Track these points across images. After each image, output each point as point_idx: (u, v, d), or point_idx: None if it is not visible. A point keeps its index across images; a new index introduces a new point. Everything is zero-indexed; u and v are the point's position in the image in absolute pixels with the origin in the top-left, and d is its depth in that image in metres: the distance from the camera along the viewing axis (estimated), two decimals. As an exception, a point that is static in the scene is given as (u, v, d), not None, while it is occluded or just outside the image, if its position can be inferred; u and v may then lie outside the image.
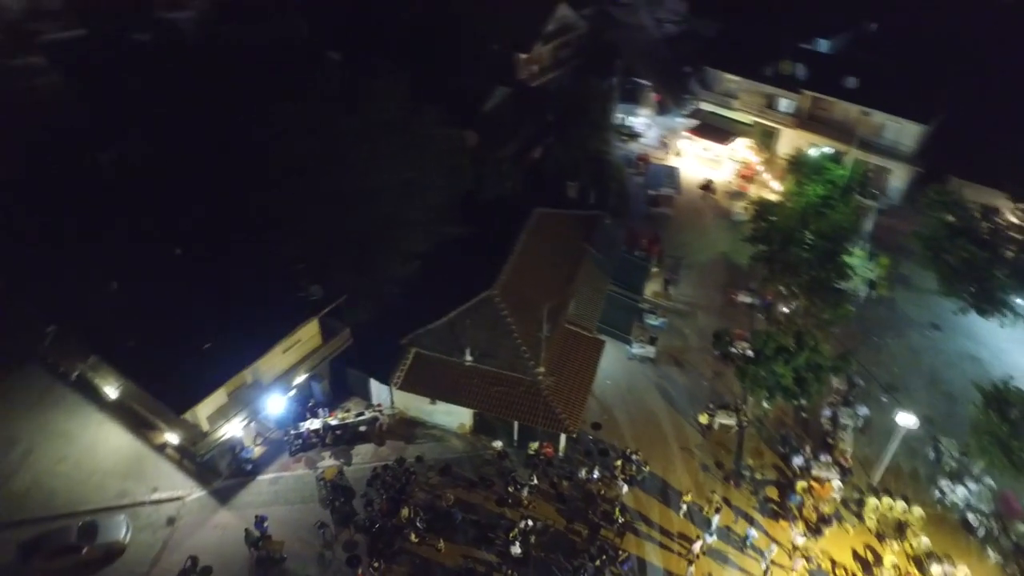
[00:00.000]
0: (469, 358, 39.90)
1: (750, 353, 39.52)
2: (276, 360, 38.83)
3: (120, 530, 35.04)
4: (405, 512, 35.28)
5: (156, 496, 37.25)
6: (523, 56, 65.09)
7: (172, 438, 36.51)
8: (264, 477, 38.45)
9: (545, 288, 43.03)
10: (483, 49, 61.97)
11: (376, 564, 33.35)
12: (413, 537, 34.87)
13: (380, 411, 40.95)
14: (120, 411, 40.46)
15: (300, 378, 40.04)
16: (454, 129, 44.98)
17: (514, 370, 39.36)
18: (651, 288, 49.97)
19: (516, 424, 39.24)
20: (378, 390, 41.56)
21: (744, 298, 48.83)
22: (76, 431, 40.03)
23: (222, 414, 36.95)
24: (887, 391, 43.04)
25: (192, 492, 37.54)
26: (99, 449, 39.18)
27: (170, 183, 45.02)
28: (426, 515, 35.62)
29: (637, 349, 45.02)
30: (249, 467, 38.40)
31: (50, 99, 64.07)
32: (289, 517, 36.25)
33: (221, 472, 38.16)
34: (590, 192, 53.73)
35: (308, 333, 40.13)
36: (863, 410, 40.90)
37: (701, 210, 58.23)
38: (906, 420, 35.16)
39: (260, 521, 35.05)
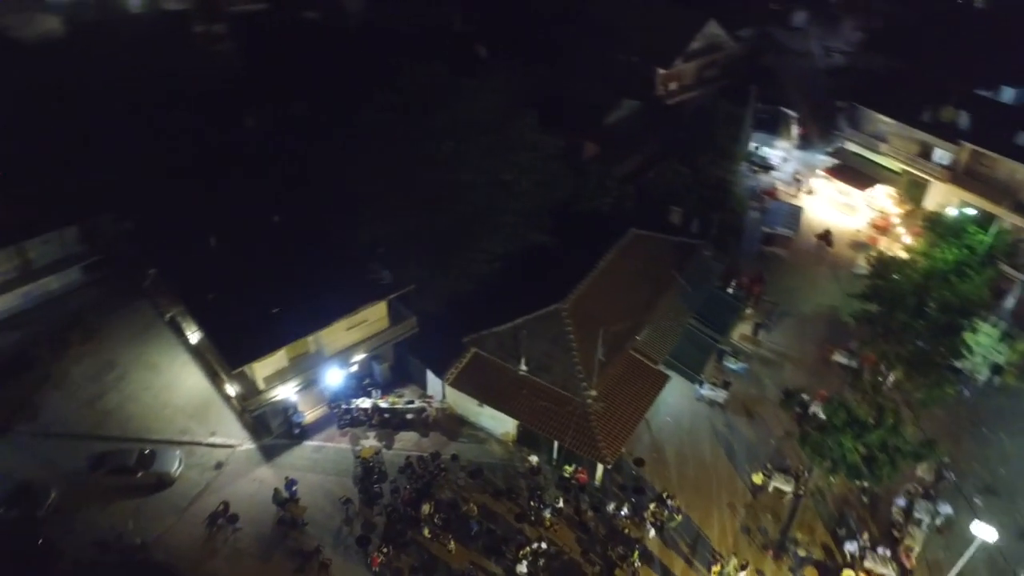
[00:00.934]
0: (524, 368, 39.45)
1: (823, 417, 36.10)
2: (340, 335, 40.33)
3: (174, 463, 38.02)
4: (426, 508, 35.57)
5: (212, 440, 40.05)
6: (662, 71, 63.18)
7: (231, 390, 38.95)
8: (309, 443, 40.17)
9: (620, 311, 41.63)
10: (617, 59, 60.86)
11: (386, 549, 33.85)
12: (427, 532, 35.08)
13: (430, 403, 41.49)
14: (198, 356, 43.89)
15: (360, 356, 41.40)
16: (553, 136, 44.36)
17: (565, 388, 38.45)
18: (740, 330, 46.98)
19: (556, 443, 38.36)
20: (433, 382, 42.12)
21: (840, 358, 44.64)
22: (164, 366, 43.86)
23: (280, 377, 38.94)
24: (983, 493, 37.76)
25: (243, 443, 39.99)
26: (177, 386, 42.68)
27: (288, 154, 48.22)
28: (445, 513, 35.73)
29: (707, 391, 42.50)
30: (297, 431, 40.27)
31: (222, 63, 69.92)
32: (320, 486, 37.65)
33: (272, 430, 40.31)
34: (694, 219, 51.23)
35: (375, 315, 41.34)
36: (946, 508, 36.10)
37: (819, 257, 53.86)
38: (984, 531, 30.57)
39: (290, 484, 36.74)
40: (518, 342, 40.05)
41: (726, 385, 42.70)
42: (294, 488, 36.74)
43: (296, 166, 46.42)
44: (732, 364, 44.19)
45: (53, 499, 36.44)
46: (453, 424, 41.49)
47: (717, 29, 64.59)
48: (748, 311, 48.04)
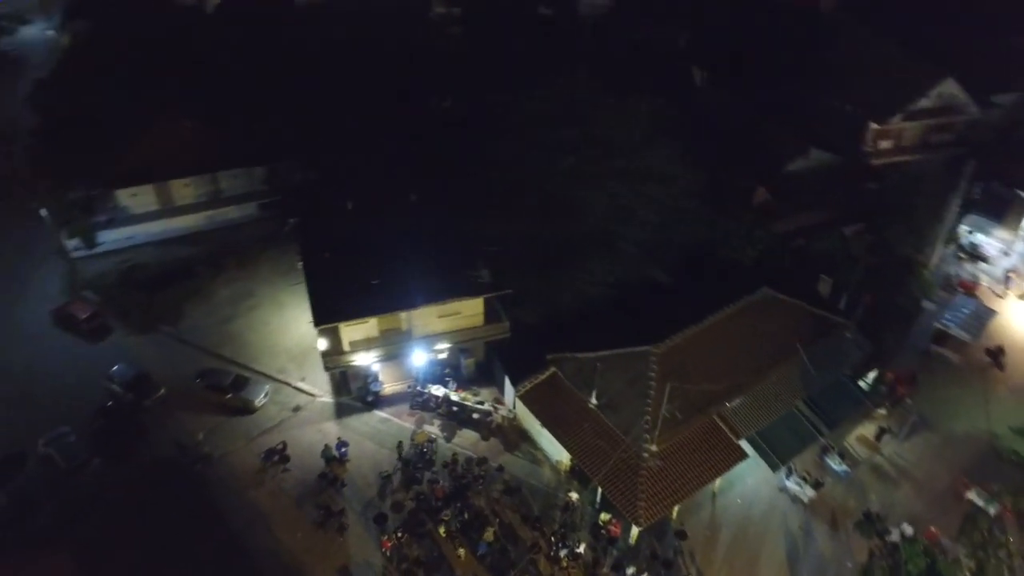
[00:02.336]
0: (594, 401, 37.89)
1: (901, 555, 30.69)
2: (432, 320, 41.42)
3: (260, 395, 41.79)
4: (448, 515, 35.67)
5: (300, 385, 43.31)
6: (875, 126, 56.42)
7: (322, 344, 41.70)
8: (379, 413, 41.93)
9: (718, 371, 38.40)
10: (822, 102, 55.36)
11: (400, 535, 34.57)
12: (443, 531, 35.20)
13: (498, 408, 41.33)
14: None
15: (447, 345, 42.24)
16: (693, 170, 41.60)
17: (626, 433, 36.34)
18: (861, 430, 41.06)
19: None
20: (509, 390, 41.80)
21: (975, 497, 37.28)
22: (288, 307, 48.07)
23: (366, 344, 40.99)
24: None
25: (323, 396, 42.76)
26: (291, 329, 46.61)
27: (446, 142, 49.98)
28: (466, 519, 35.59)
29: (792, 484, 37.83)
30: (371, 399, 42.18)
31: (447, 46, 73.86)
32: (372, 455, 39.23)
33: (351, 391, 42.62)
34: (845, 295, 45.32)
35: (471, 310, 41.84)
36: None
37: (999, 374, 45.18)
38: None
39: (341, 445, 38.72)
40: (597, 373, 38.51)
41: (817, 484, 37.66)
42: (343, 450, 38.68)
43: (446, 151, 48.14)
44: (834, 463, 38.82)
45: (161, 394, 41.84)
46: (515, 436, 41.00)
47: (955, 89, 56.09)
48: (880, 411, 41.82)
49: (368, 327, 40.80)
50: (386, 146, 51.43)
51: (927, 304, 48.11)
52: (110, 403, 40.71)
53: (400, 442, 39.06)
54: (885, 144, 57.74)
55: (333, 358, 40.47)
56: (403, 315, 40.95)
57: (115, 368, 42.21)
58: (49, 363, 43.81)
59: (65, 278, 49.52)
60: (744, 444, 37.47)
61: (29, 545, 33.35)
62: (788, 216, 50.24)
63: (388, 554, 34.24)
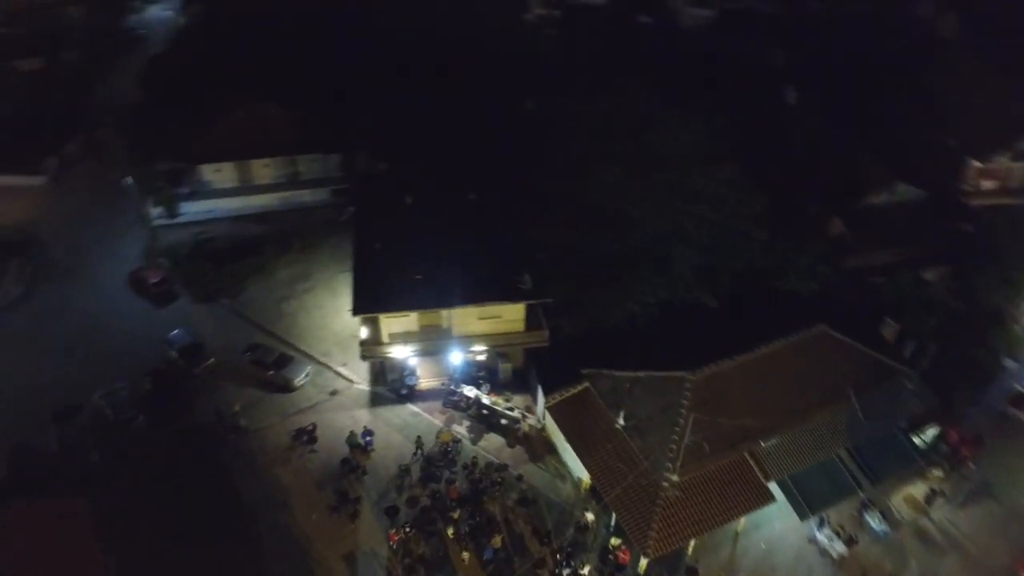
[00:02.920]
0: (621, 422, 36.90)
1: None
2: (472, 321, 41.43)
3: (301, 375, 43.00)
4: (457, 513, 35.64)
5: (341, 370, 44.29)
6: (976, 164, 52.28)
7: (363, 332, 42.39)
8: (411, 407, 42.30)
9: (756, 406, 36.64)
10: (917, 131, 51.78)
11: (408, 530, 34.80)
12: (451, 532, 35.15)
13: (527, 417, 40.89)
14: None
15: (485, 348, 42.15)
16: (754, 193, 39.68)
17: (648, 459, 35.18)
18: (909, 490, 38.12)
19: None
20: (541, 400, 41.32)
21: (1031, 580, 34.00)
22: (341, 293, 49.01)
23: (405, 337, 41.47)
24: None
25: (361, 383, 43.55)
26: (341, 314, 47.39)
27: (517, 143, 49.88)
28: (476, 523, 35.40)
29: (823, 537, 35.55)
30: (404, 392, 42.64)
31: (542, 47, 73.64)
32: (398, 447, 39.59)
33: (387, 382, 43.21)
34: (911, 342, 42.14)
35: (512, 315, 41.56)
36: None
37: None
38: None
39: (366, 434, 39.34)
40: (629, 393, 37.51)
41: (851, 541, 35.23)
42: (369, 439, 39.25)
43: (513, 152, 48.04)
44: (873, 521, 36.18)
45: (210, 364, 43.78)
46: (541, 447, 40.44)
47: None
48: (936, 472, 38.69)
49: (408, 321, 41.25)
50: (459, 142, 51.99)
51: (1009, 362, 44.14)
52: (163, 366, 42.95)
53: (419, 436, 39.29)
54: (987, 184, 53.39)
55: (371, 347, 41.15)
56: (444, 313, 41.18)
57: (173, 333, 44.49)
58: (118, 321, 46.73)
59: (145, 244, 52.61)
60: (774, 487, 35.56)
61: (68, 489, 35.55)
62: (863, 252, 47.30)
63: (394, 547, 34.54)
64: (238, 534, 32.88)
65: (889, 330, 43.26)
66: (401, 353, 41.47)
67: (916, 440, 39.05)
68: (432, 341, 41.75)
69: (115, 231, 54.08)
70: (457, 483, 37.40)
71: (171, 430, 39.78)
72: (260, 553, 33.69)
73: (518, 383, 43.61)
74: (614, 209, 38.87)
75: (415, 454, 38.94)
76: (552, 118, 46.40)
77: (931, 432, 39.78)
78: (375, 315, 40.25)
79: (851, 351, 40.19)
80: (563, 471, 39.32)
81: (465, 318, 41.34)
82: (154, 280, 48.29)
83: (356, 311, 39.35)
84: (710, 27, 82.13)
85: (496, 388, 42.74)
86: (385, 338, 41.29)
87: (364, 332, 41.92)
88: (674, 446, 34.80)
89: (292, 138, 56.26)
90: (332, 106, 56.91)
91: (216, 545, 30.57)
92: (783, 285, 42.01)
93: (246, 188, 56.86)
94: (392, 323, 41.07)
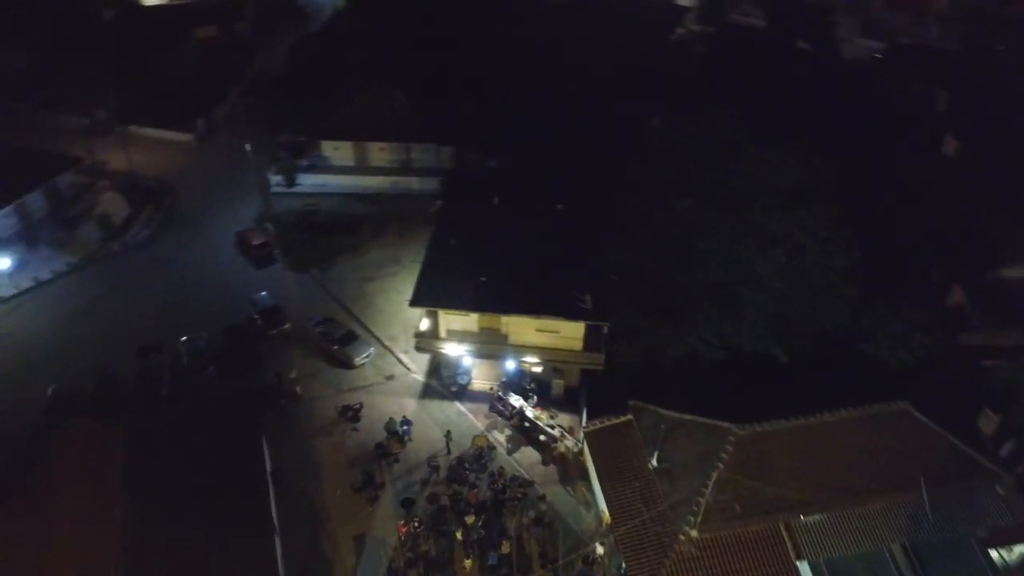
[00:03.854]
0: (654, 463, 35.21)
1: None
2: (530, 332, 41.01)
3: (362, 355, 44.53)
4: (470, 519, 35.46)
5: (402, 356, 45.34)
6: None
7: (424, 323, 43.03)
8: (458, 405, 42.56)
9: (805, 477, 33.64)
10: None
11: (417, 525, 35.11)
12: (460, 535, 35.06)
13: (566, 437, 39.91)
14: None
15: (538, 360, 41.56)
16: (849, 245, 36.18)
17: (672, 507, 33.27)
18: (974, 606, 33.41)
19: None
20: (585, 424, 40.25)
21: None
22: (420, 281, 50.31)
23: (462, 336, 41.74)
24: None
25: (417, 374, 44.34)
26: (416, 302, 48.74)
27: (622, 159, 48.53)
28: (487, 533, 35.08)
29: (852, 634, 32.05)
30: (454, 389, 42.98)
31: (686, 63, 71.49)
32: (434, 443, 39.94)
33: (441, 377, 43.71)
34: (1010, 439, 36.74)
35: (571, 332, 40.65)
36: None
37: None
38: None
39: (405, 422, 40.03)
40: (670, 434, 35.68)
41: (884, 647, 31.54)
42: (406, 428, 39.92)
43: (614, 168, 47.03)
44: (917, 632, 32.16)
45: (285, 329, 46.31)
46: (574, 470, 39.34)
47: None
48: (1012, 595, 33.72)
49: (468, 320, 41.49)
50: (568, 150, 51.65)
51: None
52: (242, 324, 45.94)
53: (448, 431, 39.59)
54: None
55: (426, 340, 41.84)
56: (503, 319, 41.07)
57: (259, 295, 47.47)
58: (218, 276, 50.67)
59: (260, 208, 56.44)
60: (804, 568, 32.44)
61: (128, 418, 38.86)
62: (981, 329, 42.01)
63: (402, 539, 34.97)
64: (260, 493, 34.33)
65: (988, 423, 38.13)
66: (455, 351, 41.81)
67: (995, 555, 34.19)
68: (488, 345, 41.77)
69: (238, 193, 58.37)
70: (478, 489, 37.27)
71: (234, 383, 42.44)
72: (275, 516, 35.20)
73: (568, 402, 42.65)
74: (684, 240, 36.92)
75: (446, 451, 39.22)
76: (659, 138, 44.81)
77: (1020, 551, 34.70)
78: (434, 309, 40.84)
79: (934, 437, 35.77)
80: (589, 499, 38.07)
81: (523, 327, 41.00)
82: (256, 242, 51.75)
83: (413, 302, 40.15)
84: (879, 61, 76.31)
85: (544, 403, 42.04)
86: (443, 333, 41.80)
87: (425, 324, 42.66)
88: (700, 499, 32.72)
89: (410, 125, 58.12)
90: (454, 100, 58.38)
91: (234, 500, 32.01)
92: (869, 349, 38.24)
93: (360, 168, 59.53)
94: (452, 320, 41.50)
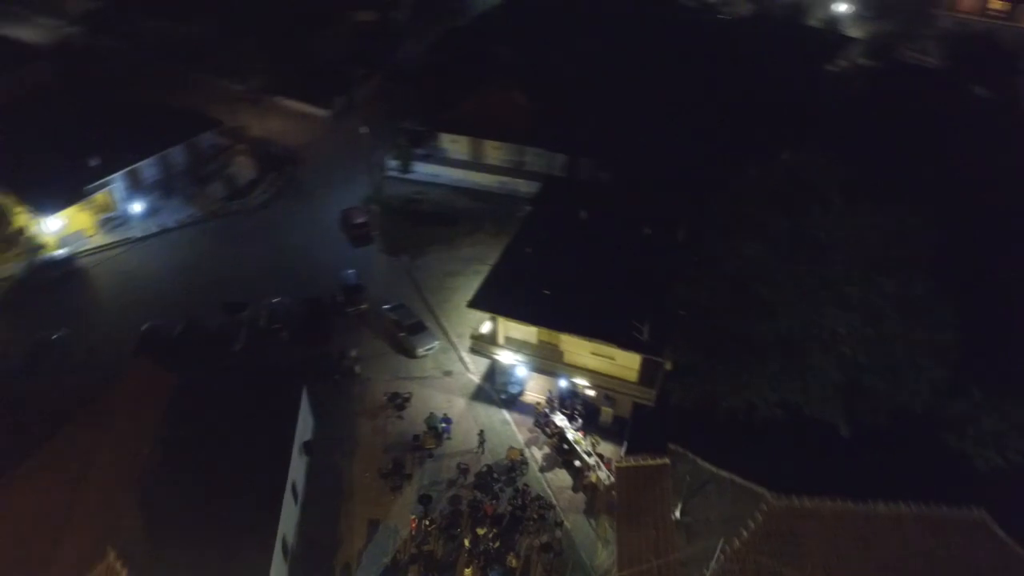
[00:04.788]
0: (678, 515, 33.19)
1: None
2: (585, 354, 40.00)
3: (426, 346, 45.32)
4: (481, 531, 35.13)
5: (464, 355, 45.59)
6: None
7: (484, 326, 42.89)
8: (505, 414, 42.25)
9: (837, 566, 30.38)
10: None
11: (429, 524, 35.29)
12: (467, 543, 34.84)
13: (599, 467, 38.45)
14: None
15: (587, 383, 40.35)
16: (941, 324, 31.91)
17: (683, 564, 31.21)
18: None
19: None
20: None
21: None
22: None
23: (519, 346, 41.36)
24: None
25: (474, 375, 44.45)
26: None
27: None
28: (496, 548, 34.64)
29: None
30: (504, 396, 42.68)
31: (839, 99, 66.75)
32: (470, 445, 39.89)
33: (493, 382, 43.53)
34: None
35: (627, 361, 39.16)
36: None
37: None
38: None
39: (445, 420, 40.33)
40: (700, 488, 33.49)
41: None
42: (446, 426, 40.17)
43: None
44: None
45: (362, 308, 48.00)
46: (602, 503, 37.78)
47: None
48: None
49: (527, 332, 41.05)
50: (680, 173, 49.77)
51: None
52: (325, 297, 48.07)
53: (482, 431, 39.65)
54: None
55: (481, 343, 41.86)
56: (562, 336, 40.24)
57: (347, 272, 49.50)
58: (316, 248, 53.46)
59: (371, 190, 58.75)
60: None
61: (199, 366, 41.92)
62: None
63: (412, 533, 35.30)
64: (280, 463, 34.63)
65: (1082, 555, 32.46)
66: (508, 359, 41.49)
67: None
68: (543, 359, 41.09)
69: (357, 172, 60.99)
70: (497, 502, 36.83)
71: (301, 351, 44.55)
72: (302, 485, 36.73)
73: (615, 432, 41.14)
74: (750, 286, 34.20)
75: (480, 451, 39.38)
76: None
77: None
78: (474, 307, 40.77)
79: (1011, 558, 31.08)
80: (610, 537, 36.50)
81: (579, 348, 39.99)
82: (357, 221, 53.94)
83: (472, 303, 40.27)
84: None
85: (591, 428, 40.76)
86: (500, 340, 41.62)
87: (486, 327, 42.66)
88: (716, 564, 30.41)
89: (528, 128, 58.15)
90: (578, 107, 57.80)
91: (253, 464, 33.20)
92: (952, 440, 33.74)
93: (473, 164, 60.37)
94: (511, 328, 41.22)
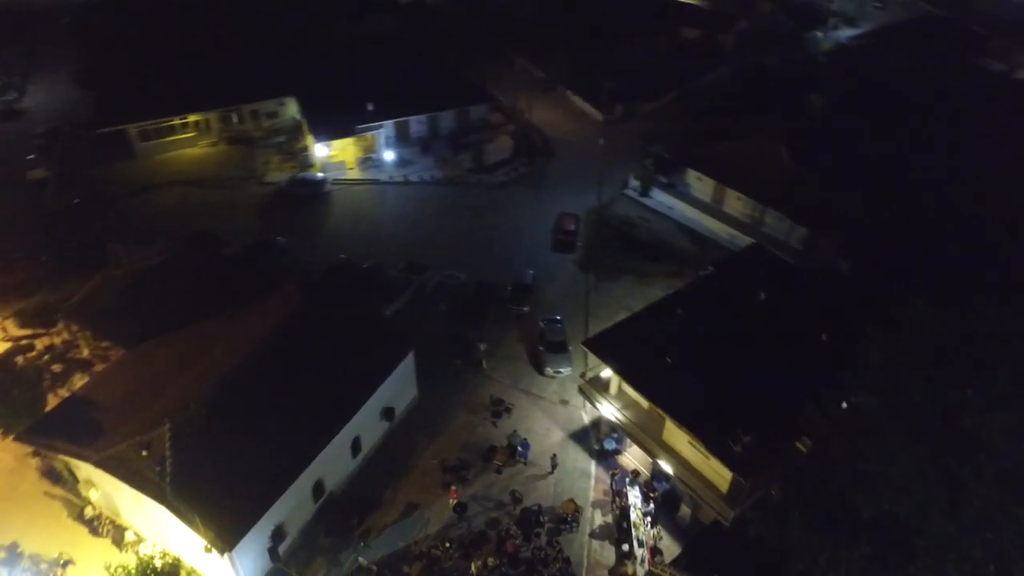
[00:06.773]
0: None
1: None
2: (682, 442, 36.17)
3: (557, 367, 44.62)
4: (490, 560, 34.52)
5: (580, 382, 43.26)
6: None
7: (606, 369, 40.49)
8: (593, 464, 40.18)
9: None
10: None
11: (447, 544, 35.38)
12: (474, 568, 34.39)
13: (644, 561, 34.74)
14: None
15: (672, 471, 36.39)
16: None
17: None
18: None
19: None
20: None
21: None
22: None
23: (623, 402, 38.85)
24: None
25: (586, 417, 42.70)
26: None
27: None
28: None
29: None
30: (597, 448, 40.50)
31: None
32: (540, 480, 38.96)
33: (597, 430, 41.29)
34: None
35: (718, 470, 34.48)
36: None
37: None
38: None
39: (524, 443, 39.72)
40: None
41: None
42: (523, 450, 39.47)
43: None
44: None
45: (523, 309, 48.83)
46: (636, 595, 34.35)
47: None
48: None
49: (635, 394, 38.17)
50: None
51: None
52: (493, 286, 49.45)
53: (554, 455, 39.43)
54: None
55: (589, 386, 40.07)
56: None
57: (527, 271, 50.39)
58: (520, 239, 55.16)
59: (605, 201, 58.14)
60: None
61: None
62: None
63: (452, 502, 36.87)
64: (342, 414, 36.59)
65: None
66: (606, 412, 39.10)
67: None
68: (639, 428, 38.01)
69: (599, 179, 60.85)
70: (526, 544, 35.52)
71: (447, 329, 46.75)
72: (374, 445, 39.31)
73: (685, 531, 36.70)
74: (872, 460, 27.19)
75: (550, 471, 39.20)
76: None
77: None
78: (589, 349, 38.77)
79: None
80: (611, 638, 33.20)
81: (678, 432, 36.16)
82: (566, 228, 54.14)
83: (587, 342, 38.67)
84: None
85: (665, 520, 36.96)
86: (612, 388, 39.39)
87: (605, 372, 40.53)
88: None
89: (778, 188, 52.51)
90: (843, 181, 50.65)
91: (325, 409, 35.43)
92: None
93: (710, 208, 56.41)
94: (623, 383, 38.69)
